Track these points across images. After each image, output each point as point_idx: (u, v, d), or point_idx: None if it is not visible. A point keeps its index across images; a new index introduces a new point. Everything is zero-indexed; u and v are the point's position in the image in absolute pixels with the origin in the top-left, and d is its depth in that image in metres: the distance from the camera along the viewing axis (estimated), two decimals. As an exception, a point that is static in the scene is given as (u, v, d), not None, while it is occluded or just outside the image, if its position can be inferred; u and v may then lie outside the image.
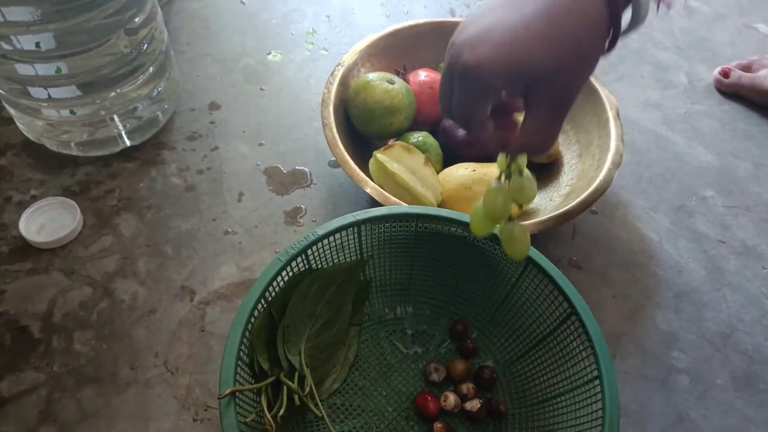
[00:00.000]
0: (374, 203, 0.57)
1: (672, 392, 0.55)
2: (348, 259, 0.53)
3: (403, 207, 0.52)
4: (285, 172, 0.69)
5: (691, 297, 0.61)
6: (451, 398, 0.50)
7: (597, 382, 0.43)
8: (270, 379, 0.46)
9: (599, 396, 0.42)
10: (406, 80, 0.69)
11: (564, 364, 0.48)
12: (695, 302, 0.61)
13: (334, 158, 0.60)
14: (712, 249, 0.65)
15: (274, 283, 0.47)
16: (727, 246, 0.66)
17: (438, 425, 0.48)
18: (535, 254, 0.49)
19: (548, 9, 0.32)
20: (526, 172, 0.43)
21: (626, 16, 0.35)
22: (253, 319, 0.45)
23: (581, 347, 0.46)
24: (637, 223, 0.67)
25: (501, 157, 0.43)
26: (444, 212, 0.51)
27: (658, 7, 0.35)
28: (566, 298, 0.47)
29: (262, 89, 0.77)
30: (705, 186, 0.71)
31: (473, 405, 0.49)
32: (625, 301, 0.61)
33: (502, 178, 0.43)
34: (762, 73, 0.79)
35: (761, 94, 0.78)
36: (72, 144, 0.65)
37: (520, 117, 0.39)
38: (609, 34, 0.33)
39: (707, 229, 0.67)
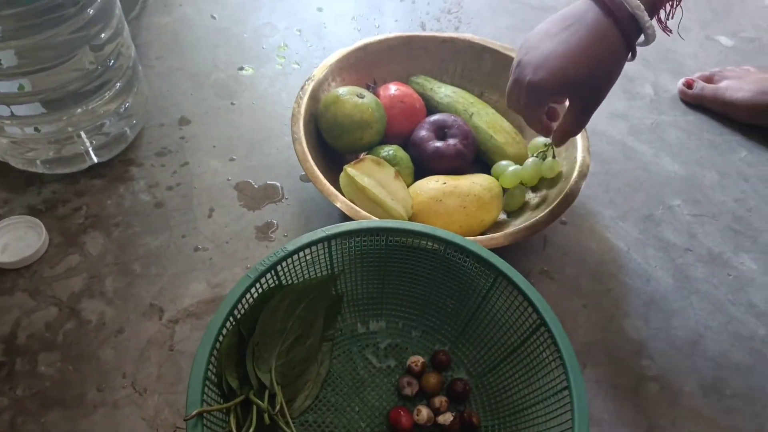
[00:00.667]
0: (346, 218, 0.57)
1: (642, 400, 0.55)
2: (319, 274, 0.52)
3: (374, 221, 0.52)
4: (256, 187, 0.69)
5: (660, 305, 0.62)
6: (424, 412, 0.49)
7: (566, 392, 0.43)
8: (239, 399, 0.45)
9: (569, 407, 0.43)
10: (377, 94, 0.69)
11: (535, 374, 0.48)
12: (664, 310, 0.62)
13: (308, 176, 0.60)
14: (679, 257, 0.67)
15: (243, 301, 0.47)
16: (693, 254, 0.67)
17: None
18: (505, 266, 0.49)
19: (582, 43, 0.49)
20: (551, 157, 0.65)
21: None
22: (221, 338, 0.45)
23: (551, 357, 0.46)
24: (605, 233, 0.68)
25: (535, 143, 0.67)
26: (414, 226, 0.52)
27: (664, 28, 0.52)
28: (535, 309, 0.47)
29: (233, 104, 0.77)
30: (672, 195, 0.73)
31: (446, 418, 0.49)
32: (596, 310, 0.61)
33: (537, 157, 0.65)
34: (723, 84, 0.81)
35: (724, 105, 0.80)
36: (37, 162, 0.64)
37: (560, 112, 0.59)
38: (628, 53, 0.49)
39: (674, 238, 0.68)
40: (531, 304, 0.48)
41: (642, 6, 0.47)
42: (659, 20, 0.51)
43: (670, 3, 0.50)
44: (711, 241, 0.68)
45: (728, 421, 0.54)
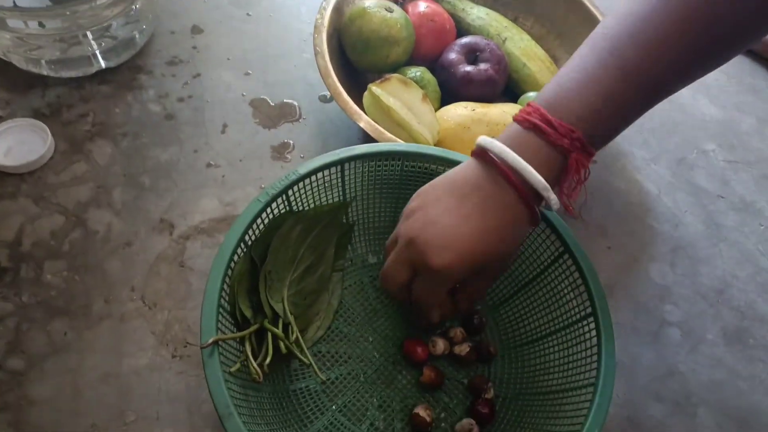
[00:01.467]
0: (367, 141, 0.53)
1: (663, 345, 0.54)
2: (331, 201, 0.50)
3: (389, 144, 0.49)
4: (272, 104, 0.65)
5: (687, 251, 0.60)
6: (440, 343, 0.48)
7: (591, 319, 0.42)
8: (254, 327, 0.43)
9: (593, 333, 0.41)
10: (405, 10, 0.64)
11: (555, 303, 0.47)
12: (691, 257, 0.60)
13: (326, 93, 0.56)
14: (711, 204, 0.64)
15: (254, 226, 0.44)
16: (725, 201, 0.64)
17: (428, 370, 0.47)
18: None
19: (488, 221, 0.40)
20: None
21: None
22: (233, 264, 0.43)
23: (572, 286, 0.45)
24: (636, 174, 0.65)
25: None
26: (433, 150, 0.48)
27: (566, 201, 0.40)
28: (558, 236, 0.45)
29: (248, 14, 0.72)
30: (707, 139, 0.69)
31: (462, 349, 0.48)
32: (621, 253, 0.59)
33: None
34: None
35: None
36: (42, 62, 0.60)
37: None
38: (533, 221, 0.41)
39: (707, 184, 0.65)
40: (554, 230, 0.45)
41: (548, 187, 0.38)
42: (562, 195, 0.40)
43: (574, 183, 0.39)
44: (744, 189, 0.65)
45: (749, 371, 0.53)
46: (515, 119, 0.40)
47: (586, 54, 0.39)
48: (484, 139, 0.40)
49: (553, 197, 0.39)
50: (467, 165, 0.42)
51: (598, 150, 0.39)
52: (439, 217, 0.40)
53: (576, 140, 0.37)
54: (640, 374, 0.52)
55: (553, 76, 0.40)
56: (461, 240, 0.40)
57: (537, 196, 0.39)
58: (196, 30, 0.69)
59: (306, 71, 0.67)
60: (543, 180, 0.38)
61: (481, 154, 0.40)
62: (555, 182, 0.39)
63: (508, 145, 0.39)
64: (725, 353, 0.54)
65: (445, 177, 0.43)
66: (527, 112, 0.39)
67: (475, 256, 0.40)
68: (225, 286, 0.42)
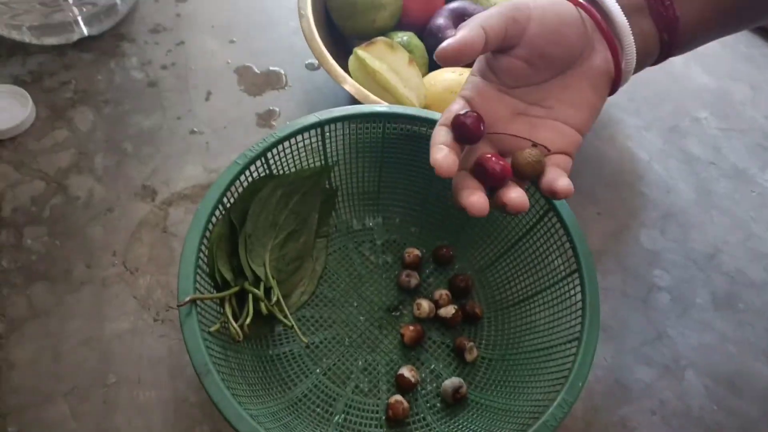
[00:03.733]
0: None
1: (652, 310, 0.53)
2: (312, 165, 0.49)
3: (370, 105, 0.48)
4: (258, 72, 0.64)
5: (678, 218, 0.59)
6: (425, 305, 0.47)
7: (576, 275, 0.41)
8: (234, 289, 0.43)
9: (578, 289, 0.41)
10: (393, -24, 0.63)
11: (540, 263, 0.46)
12: (682, 223, 0.59)
13: (312, 60, 0.55)
14: (703, 171, 0.63)
15: (233, 189, 0.44)
16: (717, 168, 0.63)
17: (406, 330, 0.46)
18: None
19: None
20: None
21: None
22: (211, 226, 0.42)
23: (557, 244, 0.44)
24: (627, 141, 0.64)
25: None
26: (414, 110, 0.48)
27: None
28: (543, 194, 0.44)
29: (234, -18, 0.71)
30: (700, 107, 0.68)
31: (448, 311, 0.47)
32: (611, 219, 0.58)
33: None
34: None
35: None
36: (24, 27, 0.59)
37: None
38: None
39: (699, 151, 0.64)
40: (539, 188, 0.44)
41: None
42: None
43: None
44: (737, 156, 0.65)
45: (738, 335, 0.53)
46: None
47: None
48: None
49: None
50: None
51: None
52: None
53: None
54: (629, 338, 0.51)
55: None
56: None
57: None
58: (180, -2, 0.68)
59: (293, 39, 0.66)
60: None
61: None
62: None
63: None
64: (714, 318, 0.53)
65: None
66: None
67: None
68: (203, 248, 0.41)
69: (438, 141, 0.35)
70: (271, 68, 0.64)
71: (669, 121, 0.66)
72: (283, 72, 0.64)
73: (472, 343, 0.46)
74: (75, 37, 0.61)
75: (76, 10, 0.59)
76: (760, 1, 0.38)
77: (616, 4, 0.36)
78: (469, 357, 0.46)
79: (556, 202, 0.44)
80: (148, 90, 0.60)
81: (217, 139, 0.58)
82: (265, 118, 0.60)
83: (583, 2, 0.36)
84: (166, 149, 0.57)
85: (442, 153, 0.34)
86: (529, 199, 0.45)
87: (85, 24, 0.61)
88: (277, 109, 0.61)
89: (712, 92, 0.70)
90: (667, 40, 0.37)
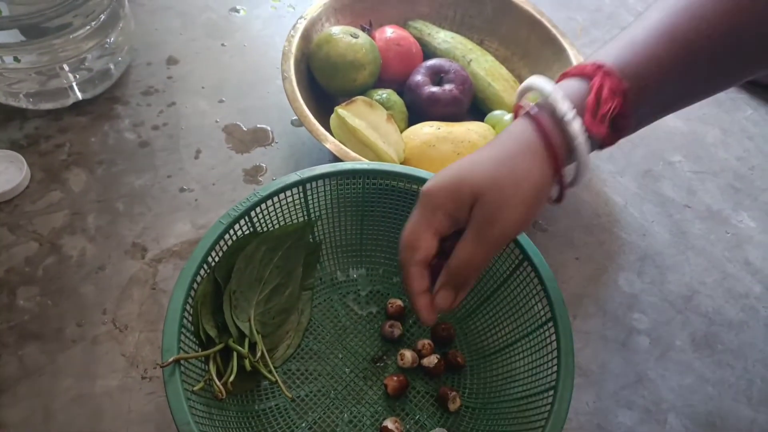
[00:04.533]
0: (336, 162, 0.55)
1: (632, 353, 0.54)
2: (295, 221, 0.51)
3: (350, 163, 0.50)
4: (245, 129, 0.67)
5: (655, 260, 0.61)
6: (408, 355, 0.49)
7: (551, 324, 0.43)
8: (218, 346, 0.44)
9: (554, 337, 0.42)
10: (372, 37, 0.67)
11: (519, 310, 0.47)
12: (658, 265, 0.61)
13: (297, 117, 0.58)
14: (678, 213, 0.65)
15: (217, 248, 0.45)
16: (692, 210, 0.65)
17: (390, 381, 0.47)
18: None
19: (494, 148, 0.37)
20: None
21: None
22: (195, 285, 0.44)
23: (533, 292, 0.45)
24: (603, 186, 0.67)
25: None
26: (391, 166, 0.50)
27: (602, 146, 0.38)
28: (518, 245, 0.46)
29: (223, 45, 0.74)
30: (673, 151, 0.71)
31: (430, 361, 0.48)
32: (589, 263, 0.60)
33: None
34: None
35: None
36: (21, 95, 0.62)
37: None
38: (553, 177, 0.37)
39: (673, 194, 0.67)
40: (513, 240, 0.46)
41: (571, 111, 0.35)
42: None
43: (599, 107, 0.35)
44: (711, 198, 0.67)
45: (717, 376, 0.53)
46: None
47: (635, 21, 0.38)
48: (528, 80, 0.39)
49: (575, 126, 0.35)
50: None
51: (640, 112, 0.36)
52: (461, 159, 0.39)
53: (599, 67, 0.35)
54: (610, 382, 0.52)
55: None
56: (455, 164, 0.38)
57: (562, 144, 0.36)
58: (171, 61, 0.71)
59: (279, 97, 0.69)
60: (566, 104, 0.35)
61: (516, 107, 0.40)
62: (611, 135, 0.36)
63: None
64: (694, 359, 0.54)
65: None
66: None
67: (463, 170, 0.37)
68: (188, 307, 0.43)
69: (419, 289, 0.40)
70: (258, 125, 0.67)
71: (643, 165, 0.69)
72: (269, 129, 0.67)
73: (455, 393, 0.47)
74: (70, 101, 0.64)
75: (71, 77, 0.62)
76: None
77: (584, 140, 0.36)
78: (452, 406, 0.47)
79: (530, 252, 0.45)
80: (140, 150, 0.63)
81: (206, 195, 0.60)
82: (252, 174, 0.63)
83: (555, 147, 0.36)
84: (156, 207, 0.59)
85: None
86: (504, 250, 0.48)
87: (79, 89, 0.64)
88: (264, 165, 0.64)
89: (684, 136, 0.72)
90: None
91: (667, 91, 0.37)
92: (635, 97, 0.36)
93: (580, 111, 0.36)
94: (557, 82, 0.39)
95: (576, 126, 0.35)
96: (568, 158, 0.37)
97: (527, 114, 0.37)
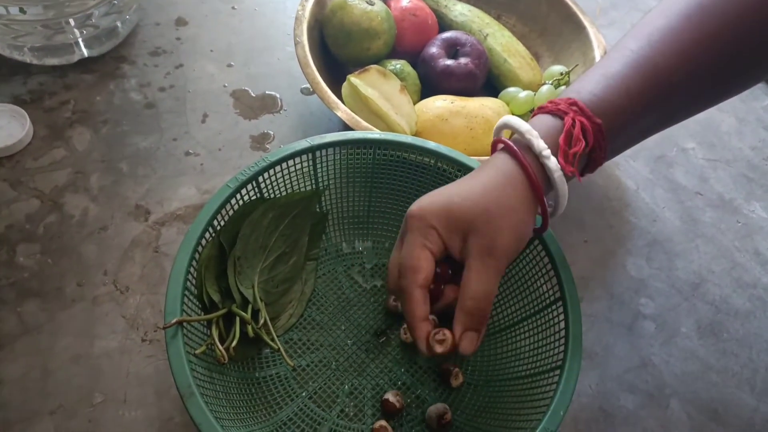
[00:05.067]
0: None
1: (637, 337, 0.54)
2: (303, 189, 0.50)
3: (361, 132, 0.49)
4: (254, 95, 0.65)
5: (664, 246, 0.60)
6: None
7: (560, 303, 0.42)
8: (221, 311, 0.43)
9: (562, 317, 0.41)
10: (388, 5, 0.65)
11: (526, 290, 0.47)
12: (667, 251, 0.60)
13: (307, 85, 0.56)
14: (689, 200, 0.64)
15: (223, 212, 0.45)
16: (703, 198, 0.64)
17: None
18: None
19: (480, 178, 0.39)
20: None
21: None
22: (200, 249, 0.43)
23: (543, 271, 0.45)
24: (615, 170, 0.65)
25: (551, 71, 0.55)
26: (403, 137, 0.49)
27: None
28: None
29: (233, 8, 0.73)
30: (687, 138, 0.70)
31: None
32: (597, 246, 0.59)
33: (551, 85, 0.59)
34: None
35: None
36: (26, 48, 0.60)
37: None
38: (535, 204, 0.38)
39: (685, 181, 0.66)
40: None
41: (546, 149, 0.37)
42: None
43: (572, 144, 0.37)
44: (723, 186, 0.66)
45: (722, 364, 0.53)
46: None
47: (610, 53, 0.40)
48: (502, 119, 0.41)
49: (552, 161, 0.37)
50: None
51: (612, 140, 0.38)
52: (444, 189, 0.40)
53: (572, 104, 0.37)
54: (614, 365, 0.52)
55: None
56: (443, 190, 0.39)
57: (541, 175, 0.38)
58: (180, 22, 0.70)
59: (289, 64, 0.68)
60: (542, 143, 0.37)
61: (495, 141, 0.41)
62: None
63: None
64: (699, 346, 0.54)
65: None
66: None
67: (452, 198, 0.38)
68: (192, 270, 0.42)
69: (422, 315, 0.38)
70: (267, 92, 0.66)
71: (656, 151, 0.68)
72: (278, 96, 0.65)
73: (457, 369, 0.47)
74: (76, 58, 0.63)
75: (77, 32, 0.61)
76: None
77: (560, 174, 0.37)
78: (454, 383, 0.46)
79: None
80: (146, 111, 0.61)
81: (211, 160, 0.59)
82: (260, 141, 0.62)
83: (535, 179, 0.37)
84: (161, 170, 0.58)
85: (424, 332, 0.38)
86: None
87: (85, 46, 0.62)
88: (272, 132, 0.62)
89: (698, 123, 0.71)
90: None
91: (643, 122, 0.39)
92: (609, 131, 0.37)
93: (554, 149, 0.37)
94: (533, 116, 0.40)
95: (552, 163, 0.37)
96: (547, 188, 0.39)
97: (507, 148, 0.38)
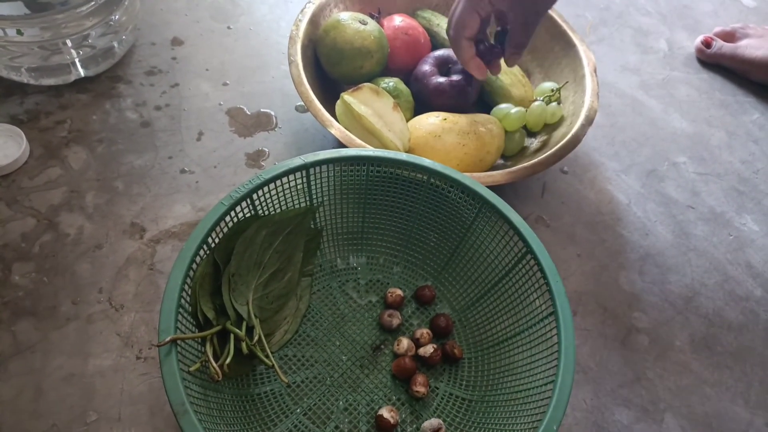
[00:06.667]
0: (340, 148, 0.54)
1: (630, 352, 0.54)
2: (297, 206, 0.50)
3: (354, 149, 0.50)
4: (249, 113, 0.66)
5: (656, 260, 0.61)
6: (404, 342, 0.48)
7: (552, 318, 0.42)
8: (215, 328, 0.43)
9: (554, 332, 0.42)
10: (381, 24, 0.66)
11: (519, 304, 0.47)
12: (659, 265, 0.60)
13: (301, 103, 0.57)
14: (681, 214, 0.65)
15: (218, 229, 0.45)
16: (695, 211, 0.65)
17: (401, 359, 0.47)
18: (490, 195, 0.47)
19: None
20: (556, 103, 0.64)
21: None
22: (194, 266, 0.43)
23: (536, 285, 0.45)
24: (607, 185, 0.66)
25: (542, 87, 0.65)
26: (397, 155, 0.49)
27: None
28: (521, 237, 0.45)
29: (229, 27, 0.73)
30: (678, 152, 0.70)
31: (426, 350, 0.48)
32: (590, 260, 0.60)
33: (542, 101, 0.63)
34: (743, 42, 0.78)
35: (741, 63, 0.77)
36: (23, 69, 0.61)
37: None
38: None
39: (677, 194, 0.66)
40: (517, 232, 0.46)
41: None
42: None
43: None
44: (714, 200, 0.66)
45: (716, 378, 0.53)
46: None
47: None
48: None
49: None
50: None
51: None
52: None
53: None
54: (608, 380, 0.52)
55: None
56: None
57: None
58: (176, 42, 0.71)
59: (284, 82, 0.69)
60: None
61: None
62: None
63: None
64: (692, 360, 0.54)
65: None
66: None
67: None
68: (186, 287, 0.42)
69: (469, 56, 0.57)
70: (262, 110, 0.66)
71: (647, 165, 0.68)
72: (273, 114, 0.66)
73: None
74: (72, 78, 0.63)
75: (74, 53, 0.61)
76: None
77: None
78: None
79: (533, 245, 0.45)
80: (141, 130, 0.62)
81: (206, 178, 0.60)
82: (255, 158, 0.62)
83: None
84: (156, 188, 0.58)
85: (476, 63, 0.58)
86: (507, 242, 0.47)
87: (82, 66, 0.63)
88: (267, 150, 0.63)
89: (689, 137, 0.72)
90: None
91: None
92: None
93: None
94: None
95: None
96: None
97: None
